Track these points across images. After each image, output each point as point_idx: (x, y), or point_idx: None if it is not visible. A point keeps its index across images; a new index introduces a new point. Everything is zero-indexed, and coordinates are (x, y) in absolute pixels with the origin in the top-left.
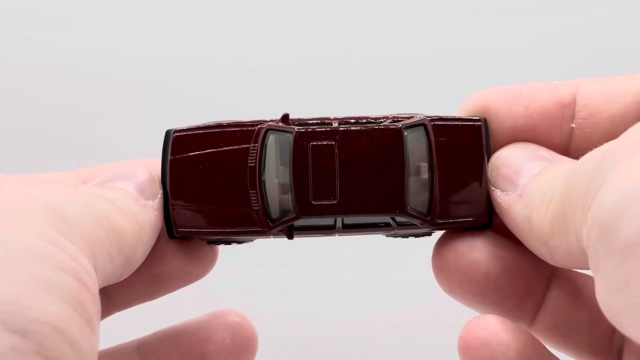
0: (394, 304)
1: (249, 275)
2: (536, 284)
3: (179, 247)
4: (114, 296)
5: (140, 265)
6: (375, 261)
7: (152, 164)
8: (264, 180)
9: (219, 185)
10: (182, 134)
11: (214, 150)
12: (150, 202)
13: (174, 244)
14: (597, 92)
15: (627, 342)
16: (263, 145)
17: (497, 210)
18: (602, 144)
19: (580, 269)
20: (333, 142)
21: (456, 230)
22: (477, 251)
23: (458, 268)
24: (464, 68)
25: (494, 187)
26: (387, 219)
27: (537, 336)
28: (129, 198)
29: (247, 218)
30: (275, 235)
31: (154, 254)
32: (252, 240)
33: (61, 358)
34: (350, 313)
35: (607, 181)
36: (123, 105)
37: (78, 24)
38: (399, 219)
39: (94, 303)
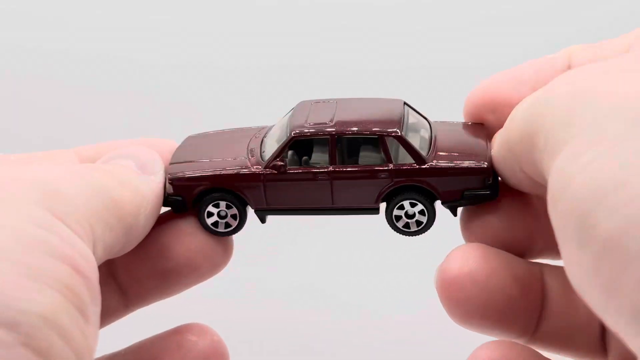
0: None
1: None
2: (534, 297)
3: (187, 244)
4: (129, 293)
5: (149, 260)
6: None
7: (157, 143)
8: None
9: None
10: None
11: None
12: (152, 176)
13: (182, 239)
14: (587, 59)
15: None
16: None
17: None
18: None
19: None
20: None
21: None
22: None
23: (468, 299)
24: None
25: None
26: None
27: (538, 345)
28: (128, 171)
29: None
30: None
31: (163, 250)
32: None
33: (51, 349)
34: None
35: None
36: (118, 110)
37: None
38: (395, 154)
39: (89, 289)
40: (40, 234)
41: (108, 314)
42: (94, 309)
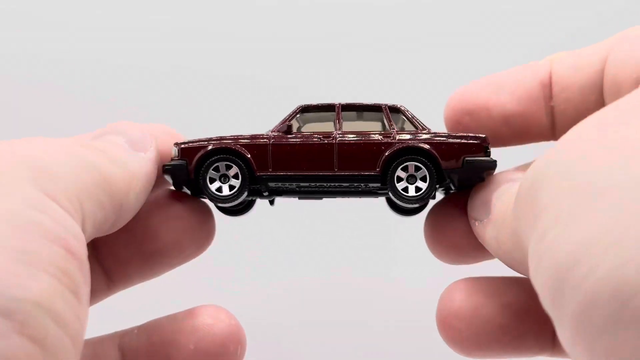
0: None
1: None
2: (538, 317)
3: (174, 226)
4: (113, 275)
5: (134, 242)
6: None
7: (150, 126)
8: None
9: None
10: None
11: None
12: (142, 153)
13: (169, 222)
14: (567, 66)
15: None
16: None
17: (480, 240)
18: (577, 119)
19: None
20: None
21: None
22: (484, 307)
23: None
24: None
25: (474, 219)
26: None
27: (564, 356)
28: (118, 148)
29: None
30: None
31: (148, 231)
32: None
33: (46, 335)
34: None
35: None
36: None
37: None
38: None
39: (81, 270)
40: (34, 216)
41: (91, 296)
42: (85, 289)
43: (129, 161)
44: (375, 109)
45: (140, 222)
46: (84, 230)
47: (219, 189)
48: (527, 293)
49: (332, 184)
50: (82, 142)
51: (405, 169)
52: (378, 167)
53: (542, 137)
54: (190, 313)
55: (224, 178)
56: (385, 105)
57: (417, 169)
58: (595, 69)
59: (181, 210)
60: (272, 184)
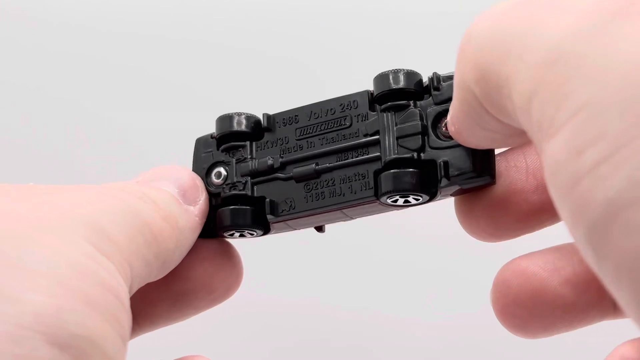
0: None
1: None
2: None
3: (202, 266)
4: (139, 316)
5: (164, 284)
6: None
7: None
8: None
9: None
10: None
11: None
12: (192, 207)
13: (200, 263)
14: None
15: None
16: None
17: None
18: None
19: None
20: None
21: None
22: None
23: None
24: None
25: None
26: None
27: (621, 317)
28: (171, 199)
29: None
30: None
31: (178, 272)
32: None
33: None
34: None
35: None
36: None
37: None
38: None
39: (128, 321)
40: (92, 265)
41: None
42: (128, 337)
43: (179, 216)
44: None
45: None
46: (130, 289)
47: None
48: (581, 261)
49: (324, 115)
50: (138, 192)
51: None
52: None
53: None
54: None
55: None
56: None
57: None
58: None
59: (211, 251)
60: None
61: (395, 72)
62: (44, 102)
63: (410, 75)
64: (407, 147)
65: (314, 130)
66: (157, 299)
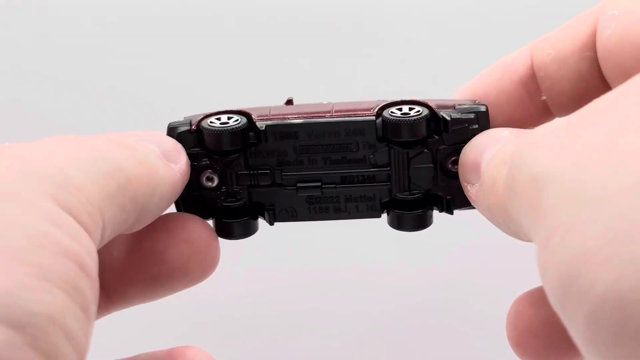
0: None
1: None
2: None
3: (179, 249)
4: (113, 296)
5: (140, 265)
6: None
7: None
8: None
9: None
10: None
11: None
12: (173, 164)
13: (175, 244)
14: (549, 59)
15: None
16: None
17: (473, 204)
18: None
19: None
20: None
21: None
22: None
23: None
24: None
25: (465, 182)
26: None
27: None
28: (151, 152)
29: None
30: None
31: (154, 253)
32: None
33: (56, 350)
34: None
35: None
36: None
37: None
38: None
39: (92, 288)
40: (52, 232)
41: None
42: (94, 307)
43: (159, 166)
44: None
45: (147, 244)
46: (103, 237)
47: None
48: None
49: (328, 136)
50: (113, 139)
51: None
52: (374, 111)
53: (544, 122)
54: (170, 353)
55: None
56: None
57: (411, 109)
58: (578, 58)
59: (189, 232)
60: (270, 134)
61: (410, 124)
62: None
63: (421, 122)
64: (419, 185)
65: (317, 150)
66: (132, 280)
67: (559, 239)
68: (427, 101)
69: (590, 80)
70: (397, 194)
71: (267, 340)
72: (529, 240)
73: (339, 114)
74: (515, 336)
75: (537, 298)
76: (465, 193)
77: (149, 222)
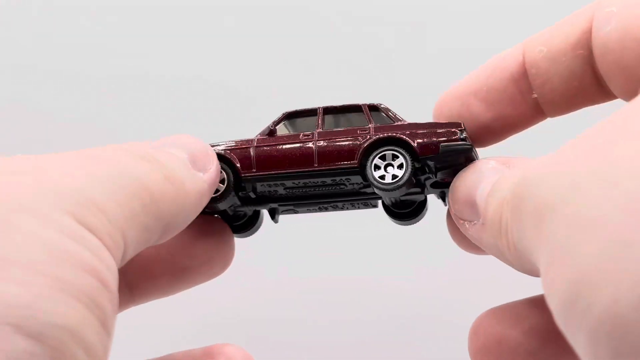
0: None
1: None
2: None
3: (206, 242)
4: (135, 290)
5: (168, 259)
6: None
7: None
8: None
9: None
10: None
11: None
12: (201, 174)
13: (202, 237)
14: (541, 57)
15: None
16: None
17: (476, 243)
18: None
19: None
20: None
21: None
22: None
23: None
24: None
25: (461, 220)
26: None
27: None
28: (178, 162)
29: None
30: None
31: (183, 247)
32: None
33: None
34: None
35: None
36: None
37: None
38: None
39: (111, 302)
40: (71, 246)
41: None
42: (112, 321)
43: (186, 181)
44: (355, 108)
45: (176, 237)
46: (124, 256)
47: None
48: (548, 313)
49: (315, 181)
50: (141, 152)
51: (383, 159)
52: (356, 159)
53: (536, 122)
54: (206, 351)
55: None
56: (365, 104)
57: (395, 157)
58: (571, 56)
59: (212, 226)
60: (258, 185)
61: (392, 190)
62: None
63: (402, 186)
64: (410, 200)
65: (307, 190)
66: (159, 273)
67: (558, 263)
68: (406, 133)
69: (583, 78)
70: (391, 207)
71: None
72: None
73: (322, 158)
74: (472, 352)
75: (495, 316)
76: (462, 230)
77: (171, 237)
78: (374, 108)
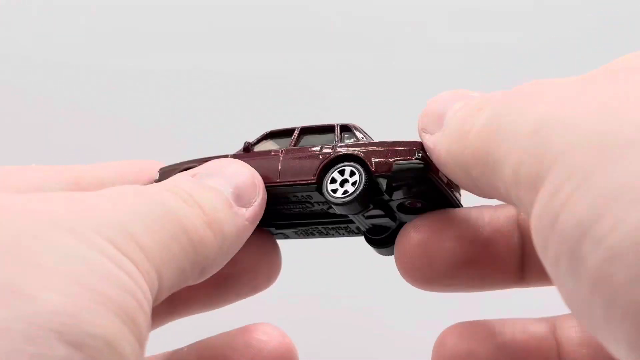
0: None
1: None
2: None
3: (249, 250)
4: (178, 301)
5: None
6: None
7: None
8: None
9: None
10: None
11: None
12: (244, 210)
13: (245, 246)
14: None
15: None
16: None
17: (428, 154)
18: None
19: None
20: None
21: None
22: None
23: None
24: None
25: (424, 131)
26: None
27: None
28: (221, 202)
29: None
30: None
31: None
32: None
33: None
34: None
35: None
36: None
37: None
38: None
39: (146, 322)
40: (111, 267)
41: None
42: (145, 342)
43: (226, 221)
44: (330, 129)
45: None
46: (158, 297)
47: None
48: (520, 333)
49: (280, 197)
50: (185, 192)
51: (343, 174)
52: (314, 176)
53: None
54: (243, 330)
55: None
56: (338, 124)
57: (352, 174)
58: None
59: (257, 235)
60: None
61: (345, 205)
62: None
63: (353, 202)
64: (383, 227)
65: (279, 207)
66: (201, 284)
67: (575, 184)
68: (364, 151)
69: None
70: (367, 233)
71: None
72: (492, 196)
73: (284, 173)
74: None
75: (463, 329)
76: (423, 142)
77: (210, 275)
78: (345, 128)
